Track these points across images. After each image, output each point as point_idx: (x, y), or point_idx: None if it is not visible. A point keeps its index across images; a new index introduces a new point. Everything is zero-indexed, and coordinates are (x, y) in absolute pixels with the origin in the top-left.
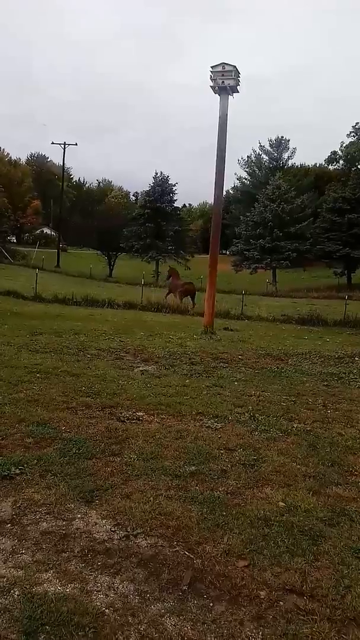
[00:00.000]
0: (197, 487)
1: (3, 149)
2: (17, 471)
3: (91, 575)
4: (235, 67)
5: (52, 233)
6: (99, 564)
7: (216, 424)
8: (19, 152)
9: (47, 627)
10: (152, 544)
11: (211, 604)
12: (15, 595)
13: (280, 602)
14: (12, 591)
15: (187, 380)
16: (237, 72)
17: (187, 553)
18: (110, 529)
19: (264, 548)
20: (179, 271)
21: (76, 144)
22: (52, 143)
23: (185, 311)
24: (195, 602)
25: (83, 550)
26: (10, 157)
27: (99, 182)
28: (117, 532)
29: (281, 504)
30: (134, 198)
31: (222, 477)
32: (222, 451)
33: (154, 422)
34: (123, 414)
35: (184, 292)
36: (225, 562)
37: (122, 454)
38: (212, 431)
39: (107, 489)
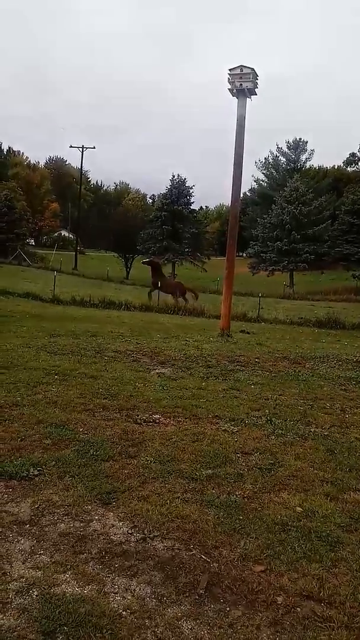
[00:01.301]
0: (213, 491)
1: (22, 153)
2: (36, 472)
3: (108, 577)
4: (253, 69)
5: (70, 236)
6: (116, 566)
7: (233, 427)
8: (38, 155)
9: (65, 628)
10: (168, 547)
11: (228, 609)
12: (34, 596)
13: (298, 609)
14: (31, 591)
15: (203, 383)
16: (255, 75)
17: (203, 557)
18: (127, 531)
19: (281, 553)
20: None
21: (94, 148)
22: (70, 147)
23: (201, 313)
24: (212, 606)
25: (100, 552)
26: (29, 161)
27: (116, 185)
28: (134, 534)
29: (298, 509)
30: (150, 200)
31: (239, 481)
32: (238, 455)
33: (170, 425)
34: (140, 416)
35: (183, 292)
36: (242, 567)
37: (139, 456)
38: (229, 434)
39: (124, 491)
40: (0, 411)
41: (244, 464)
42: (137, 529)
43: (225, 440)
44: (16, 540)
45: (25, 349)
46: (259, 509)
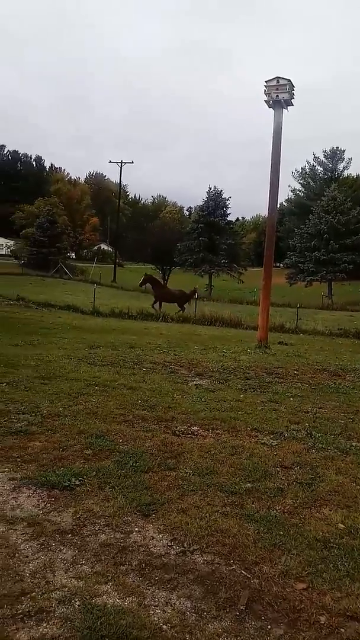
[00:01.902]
0: (253, 505)
1: (63, 169)
2: (77, 482)
3: (149, 589)
4: (289, 80)
5: (109, 249)
6: (156, 578)
7: (272, 440)
8: (79, 171)
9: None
10: (208, 561)
11: (269, 626)
12: (76, 606)
13: (342, 629)
14: (73, 601)
15: (241, 395)
16: (292, 86)
17: (244, 572)
18: (167, 543)
19: (323, 571)
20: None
21: (132, 162)
22: (110, 162)
23: (238, 324)
24: (253, 623)
25: (140, 564)
26: (70, 177)
27: (154, 199)
28: (174, 547)
29: (340, 525)
30: (187, 213)
31: (279, 495)
32: (278, 469)
33: (208, 437)
34: (178, 428)
35: (185, 299)
36: (283, 584)
37: (178, 468)
38: (268, 448)
39: (163, 503)
40: (44, 421)
41: (283, 478)
42: (177, 541)
43: (265, 453)
44: (59, 549)
45: (66, 360)
46: (300, 524)
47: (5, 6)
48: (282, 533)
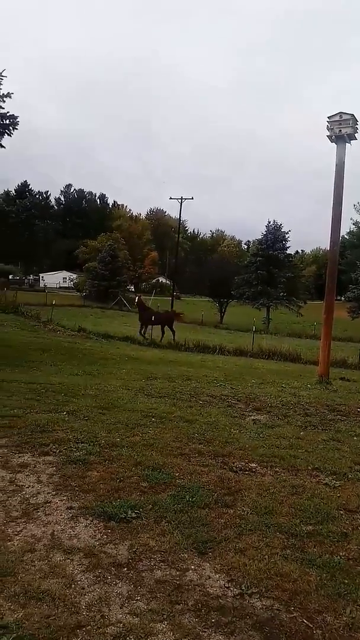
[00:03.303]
0: (315, 549)
1: (125, 206)
2: (134, 515)
3: (205, 632)
4: (352, 115)
5: (167, 282)
6: (213, 621)
7: (334, 481)
8: (140, 207)
9: None
10: (267, 606)
11: None
12: None
13: None
14: (127, 638)
15: (301, 432)
16: (355, 120)
17: (305, 621)
18: (224, 584)
19: None
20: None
21: (192, 198)
22: (170, 198)
23: (297, 359)
24: None
25: (197, 604)
26: (132, 213)
27: (212, 233)
28: (231, 588)
29: None
30: (245, 246)
31: (343, 540)
32: (341, 512)
33: (267, 475)
34: (235, 464)
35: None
36: (348, 637)
37: (236, 506)
38: (330, 489)
39: (220, 541)
40: (101, 451)
41: (347, 522)
42: (235, 583)
43: (327, 495)
44: (114, 582)
45: (124, 391)
46: None
47: (74, 50)
48: (346, 581)
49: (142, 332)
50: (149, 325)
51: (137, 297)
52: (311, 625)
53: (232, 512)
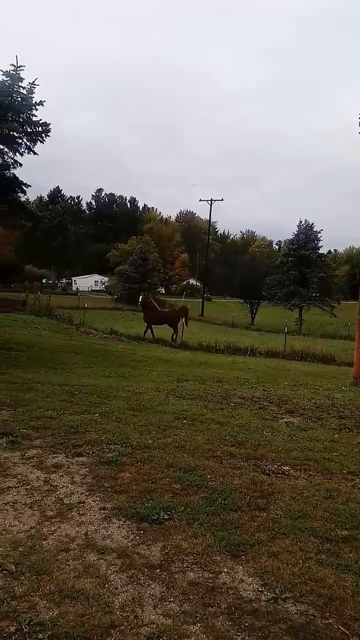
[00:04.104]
0: (350, 555)
1: (156, 209)
2: (166, 516)
3: (238, 635)
4: None
5: (197, 283)
6: (246, 624)
7: None
8: (170, 210)
9: None
10: (302, 611)
11: None
12: None
13: None
14: (161, 639)
15: (336, 436)
16: None
17: (341, 628)
18: (258, 588)
19: None
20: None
21: (222, 200)
22: (200, 200)
23: (331, 360)
24: None
25: (230, 607)
26: (162, 216)
27: (243, 234)
28: (265, 592)
29: None
30: (277, 247)
31: None
32: None
33: (300, 478)
34: (268, 467)
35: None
36: None
37: (268, 509)
38: None
39: (253, 544)
40: (133, 452)
41: None
42: (268, 587)
43: None
44: (147, 583)
45: (155, 393)
46: None
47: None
48: None
49: (150, 331)
50: (154, 325)
51: (140, 297)
52: (347, 632)
53: (265, 515)
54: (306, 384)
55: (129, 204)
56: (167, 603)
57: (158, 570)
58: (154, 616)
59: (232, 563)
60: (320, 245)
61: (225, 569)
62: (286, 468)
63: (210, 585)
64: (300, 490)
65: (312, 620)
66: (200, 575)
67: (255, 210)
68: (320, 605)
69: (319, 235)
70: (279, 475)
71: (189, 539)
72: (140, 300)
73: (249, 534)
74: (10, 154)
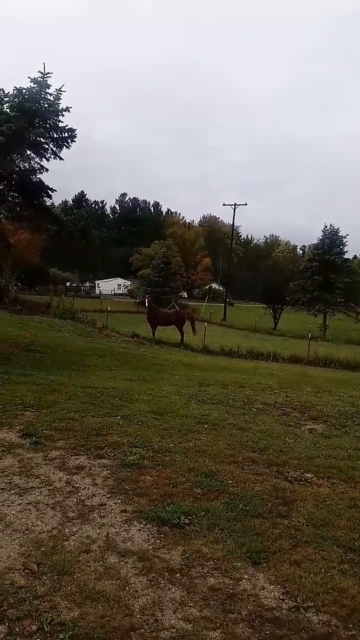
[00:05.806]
0: None
1: (179, 213)
2: (187, 521)
3: None
4: None
5: (220, 288)
6: (267, 632)
7: None
8: (193, 214)
9: None
10: (324, 621)
11: None
12: None
13: None
14: None
15: None
16: None
17: None
18: (279, 596)
19: None
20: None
21: (246, 204)
22: (223, 205)
23: (356, 367)
24: None
25: (250, 615)
26: (185, 220)
27: (266, 238)
28: (286, 601)
29: None
30: (301, 252)
31: None
32: None
33: (324, 486)
34: (290, 473)
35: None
36: None
37: (290, 516)
38: None
39: (274, 552)
40: (155, 456)
41: None
42: (290, 595)
43: None
44: (167, 587)
45: (177, 397)
46: None
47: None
48: None
49: (153, 332)
50: (158, 326)
51: (145, 298)
52: None
53: (286, 523)
54: (330, 390)
55: (152, 208)
56: (187, 608)
57: (178, 574)
58: (174, 620)
59: (253, 570)
60: (345, 250)
61: (246, 576)
62: (309, 475)
63: (231, 591)
64: (323, 498)
65: (334, 630)
66: (221, 581)
67: (279, 214)
68: (343, 616)
69: (345, 240)
70: (302, 483)
71: (210, 544)
72: (145, 301)
73: (270, 541)
74: (37, 159)
